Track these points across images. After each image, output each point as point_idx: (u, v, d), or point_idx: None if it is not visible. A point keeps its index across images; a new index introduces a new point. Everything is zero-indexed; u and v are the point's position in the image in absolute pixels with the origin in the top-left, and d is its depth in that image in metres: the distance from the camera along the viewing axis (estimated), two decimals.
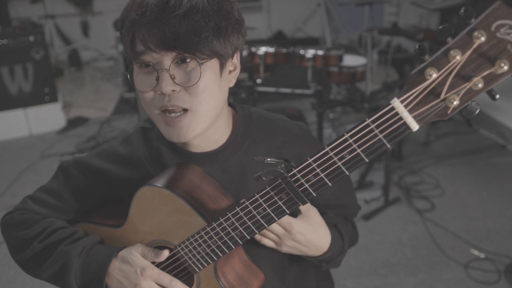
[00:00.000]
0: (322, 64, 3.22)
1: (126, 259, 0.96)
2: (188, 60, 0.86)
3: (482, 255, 2.52)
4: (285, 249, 0.99)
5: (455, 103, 0.65)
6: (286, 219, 0.93)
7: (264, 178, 0.80)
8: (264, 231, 0.92)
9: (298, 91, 3.35)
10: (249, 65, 3.24)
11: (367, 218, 2.88)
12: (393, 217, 2.90)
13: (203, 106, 0.89)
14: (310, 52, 3.20)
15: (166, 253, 0.95)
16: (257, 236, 0.97)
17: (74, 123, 4.51)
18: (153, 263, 0.97)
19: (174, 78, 0.86)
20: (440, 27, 0.64)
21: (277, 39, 6.60)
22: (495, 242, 2.63)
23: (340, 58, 3.25)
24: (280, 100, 4.64)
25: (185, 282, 0.98)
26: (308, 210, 0.97)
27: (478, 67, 0.63)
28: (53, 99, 4.36)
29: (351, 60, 3.45)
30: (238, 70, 0.97)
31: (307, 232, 0.97)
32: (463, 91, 0.64)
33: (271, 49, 3.27)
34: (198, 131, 0.92)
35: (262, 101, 4.30)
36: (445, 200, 3.05)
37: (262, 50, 3.25)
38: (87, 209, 1.12)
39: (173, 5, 0.83)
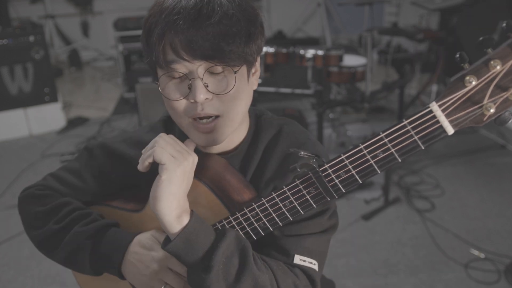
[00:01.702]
0: (322, 64, 3.22)
1: (143, 243, 0.97)
2: (221, 69, 0.86)
3: (482, 255, 2.52)
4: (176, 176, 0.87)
5: (492, 111, 0.68)
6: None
7: (299, 170, 0.81)
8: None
9: (298, 91, 3.35)
10: None
11: (367, 218, 2.88)
12: (393, 217, 2.90)
13: (234, 112, 0.90)
14: (310, 52, 3.20)
15: None
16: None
17: (74, 123, 4.51)
18: None
19: (207, 86, 0.86)
20: (481, 38, 0.67)
21: (277, 39, 6.60)
22: (495, 242, 2.63)
23: (340, 58, 3.25)
24: (280, 100, 4.64)
25: None
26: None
27: None
28: (53, 99, 4.36)
29: (351, 60, 3.44)
30: (258, 72, 0.98)
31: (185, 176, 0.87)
32: (500, 100, 0.68)
33: (271, 49, 3.27)
34: (227, 135, 0.93)
35: (262, 101, 4.30)
36: (445, 200, 3.05)
37: (262, 50, 3.25)
38: (105, 193, 1.13)
39: (206, 13, 0.82)
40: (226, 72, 0.87)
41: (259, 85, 3.34)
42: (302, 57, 3.23)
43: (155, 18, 0.87)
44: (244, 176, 1.00)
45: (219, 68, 0.86)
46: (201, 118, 0.90)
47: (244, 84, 0.91)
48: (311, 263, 0.94)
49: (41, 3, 6.22)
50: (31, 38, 4.15)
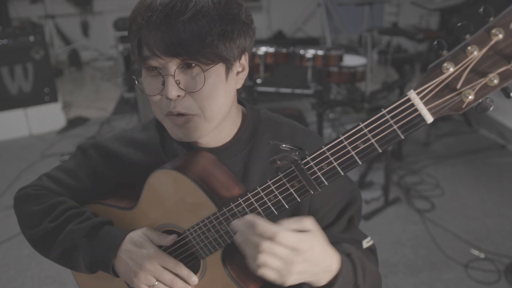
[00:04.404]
0: (322, 64, 3.22)
1: (134, 241, 0.98)
2: (193, 65, 0.87)
3: (482, 255, 2.52)
4: (292, 278, 0.77)
5: (470, 97, 0.67)
6: (292, 237, 0.76)
7: (278, 162, 0.80)
8: (265, 259, 0.76)
9: (298, 91, 3.35)
10: (249, 65, 3.24)
11: (367, 218, 2.88)
12: (393, 217, 2.90)
13: (208, 111, 0.90)
14: (310, 52, 3.20)
15: (173, 238, 0.97)
16: (259, 270, 0.78)
17: (74, 123, 4.51)
18: (160, 247, 0.98)
19: (179, 83, 0.87)
20: (459, 24, 0.65)
21: (277, 39, 6.60)
22: (495, 242, 2.63)
23: (340, 58, 3.25)
24: (280, 100, 4.64)
25: (191, 267, 0.99)
26: (315, 224, 0.82)
27: (494, 64, 0.64)
28: (53, 99, 4.36)
29: (351, 60, 3.44)
30: (246, 71, 0.98)
31: (317, 245, 0.79)
32: (479, 86, 0.66)
33: (271, 49, 3.27)
34: (203, 133, 0.93)
35: (262, 101, 4.30)
36: (445, 200, 3.05)
37: (262, 50, 3.25)
38: (100, 192, 1.13)
39: (179, 10, 0.83)
40: (198, 70, 0.87)
41: (259, 85, 3.34)
42: (302, 57, 3.23)
43: (134, 14, 0.89)
44: (247, 171, 1.00)
45: (191, 65, 0.87)
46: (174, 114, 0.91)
47: (220, 83, 0.90)
48: (370, 241, 1.04)
49: (41, 3, 6.22)
50: (31, 38, 4.15)
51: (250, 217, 0.80)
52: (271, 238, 0.75)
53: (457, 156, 3.58)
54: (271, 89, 3.36)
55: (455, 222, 2.83)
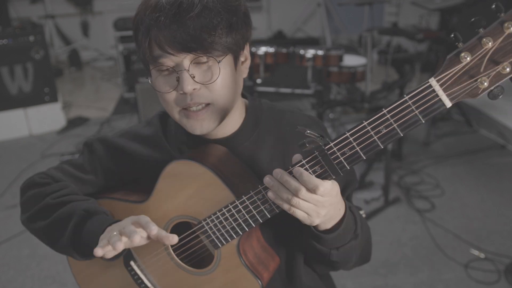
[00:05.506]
0: (322, 64, 3.22)
1: (118, 223, 0.96)
2: (206, 59, 0.90)
3: (482, 255, 2.52)
4: (318, 220, 0.86)
5: (485, 84, 0.73)
6: (322, 185, 0.82)
7: (307, 145, 0.83)
8: (298, 202, 0.83)
9: (298, 91, 3.35)
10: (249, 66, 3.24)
11: (367, 218, 2.88)
12: (393, 217, 2.90)
13: (223, 99, 0.94)
14: (310, 52, 3.20)
15: (175, 239, 0.92)
16: (290, 209, 0.85)
17: (74, 123, 4.51)
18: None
19: (194, 77, 0.90)
20: (472, 19, 0.72)
21: (277, 39, 6.60)
22: (495, 242, 2.63)
23: (340, 58, 3.25)
24: (280, 100, 4.64)
25: (204, 259, 1.01)
26: None
27: (506, 54, 0.71)
28: (53, 99, 4.36)
29: (351, 60, 3.44)
30: (249, 61, 1.01)
31: (338, 190, 0.88)
32: (493, 74, 0.72)
33: (271, 49, 3.27)
34: (219, 121, 0.97)
35: None
36: (445, 200, 3.05)
37: (262, 50, 3.25)
38: (106, 186, 1.15)
39: (186, 8, 0.86)
40: (211, 62, 0.91)
41: (259, 85, 3.34)
42: (302, 57, 3.23)
43: (140, 16, 0.91)
44: (255, 159, 1.02)
45: (203, 59, 0.90)
46: (191, 107, 0.94)
47: (231, 73, 0.94)
48: (363, 214, 1.16)
49: (41, 3, 6.22)
50: (31, 38, 4.15)
51: (296, 168, 0.83)
52: (313, 190, 0.81)
53: (457, 156, 3.58)
54: (271, 89, 3.37)
55: (455, 222, 2.83)
